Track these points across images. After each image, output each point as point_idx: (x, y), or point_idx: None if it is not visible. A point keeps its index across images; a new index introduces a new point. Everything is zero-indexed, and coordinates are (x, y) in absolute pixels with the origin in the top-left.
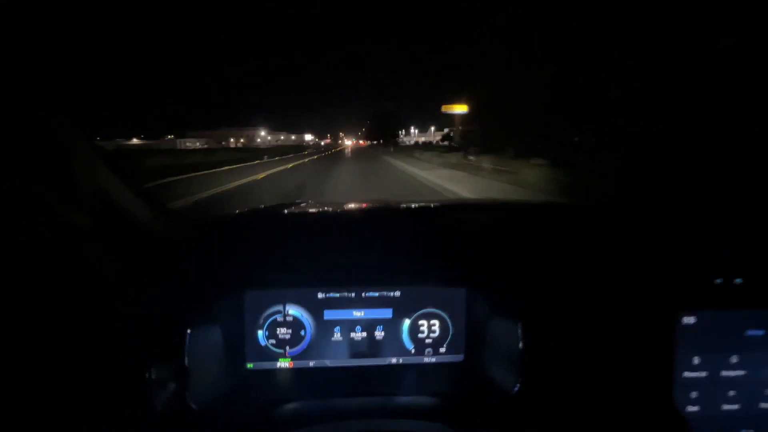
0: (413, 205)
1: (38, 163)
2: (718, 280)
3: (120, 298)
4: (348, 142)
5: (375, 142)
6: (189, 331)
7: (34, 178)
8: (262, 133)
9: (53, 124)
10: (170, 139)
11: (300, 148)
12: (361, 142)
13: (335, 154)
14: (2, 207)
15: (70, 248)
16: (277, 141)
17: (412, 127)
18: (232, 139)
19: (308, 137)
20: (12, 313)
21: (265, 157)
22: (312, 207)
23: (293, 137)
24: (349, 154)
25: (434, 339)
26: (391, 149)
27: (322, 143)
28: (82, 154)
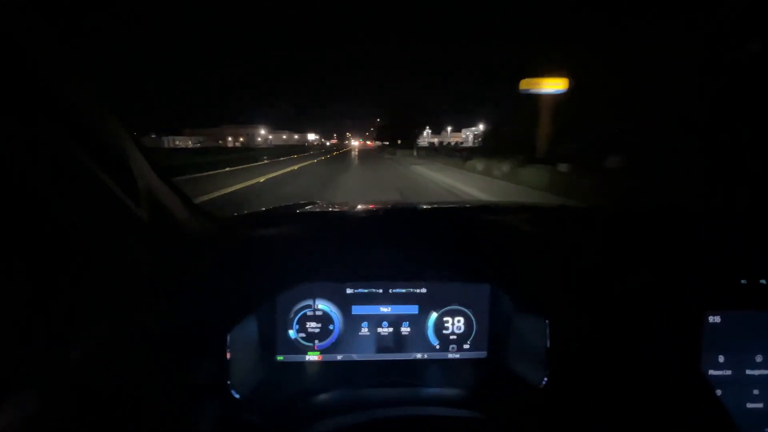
0: (438, 206)
1: (104, 160)
2: (744, 281)
3: (166, 294)
4: (355, 143)
5: (386, 143)
6: (230, 327)
7: (104, 173)
8: (262, 132)
9: (109, 122)
10: (154, 138)
11: (302, 148)
12: (368, 143)
13: (339, 156)
14: (77, 199)
15: (132, 241)
16: (281, 140)
17: (427, 128)
18: (230, 138)
19: (311, 137)
20: (62, 307)
21: (265, 158)
22: (339, 206)
23: (296, 136)
24: (357, 161)
25: (458, 335)
26: (414, 153)
27: (327, 143)
28: (134, 152)
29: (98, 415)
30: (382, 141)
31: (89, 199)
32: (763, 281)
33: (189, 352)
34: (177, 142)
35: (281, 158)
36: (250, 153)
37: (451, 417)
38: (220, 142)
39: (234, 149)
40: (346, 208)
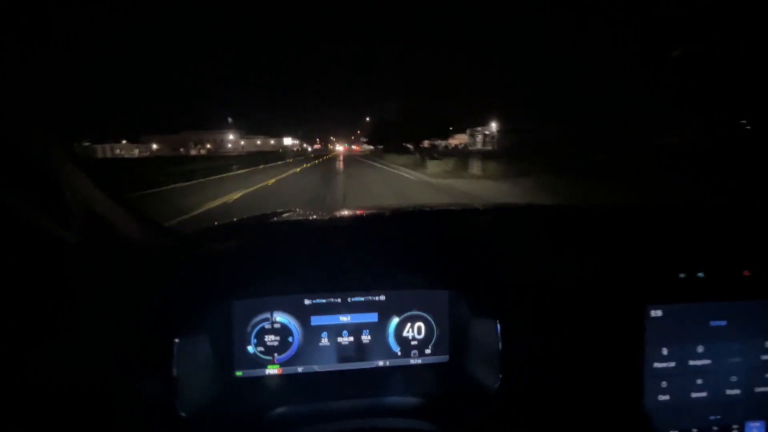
0: (395, 212)
1: (24, 179)
2: (682, 275)
3: (107, 311)
4: (340, 148)
5: (380, 147)
6: (177, 341)
7: (21, 194)
8: (231, 137)
9: (37, 136)
10: (87, 146)
11: (277, 155)
12: (354, 147)
13: (322, 164)
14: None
15: (58, 263)
16: (254, 146)
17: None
18: (192, 145)
19: (288, 141)
20: (4, 327)
21: (235, 167)
22: (296, 216)
23: (272, 142)
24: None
25: (419, 341)
26: (425, 161)
27: (310, 149)
28: (68, 168)
29: (38, 423)
30: (374, 144)
31: (8, 226)
32: (700, 274)
33: (131, 371)
34: (118, 151)
35: (256, 167)
36: (214, 163)
37: (410, 429)
38: (180, 149)
39: (194, 158)
40: (312, 217)
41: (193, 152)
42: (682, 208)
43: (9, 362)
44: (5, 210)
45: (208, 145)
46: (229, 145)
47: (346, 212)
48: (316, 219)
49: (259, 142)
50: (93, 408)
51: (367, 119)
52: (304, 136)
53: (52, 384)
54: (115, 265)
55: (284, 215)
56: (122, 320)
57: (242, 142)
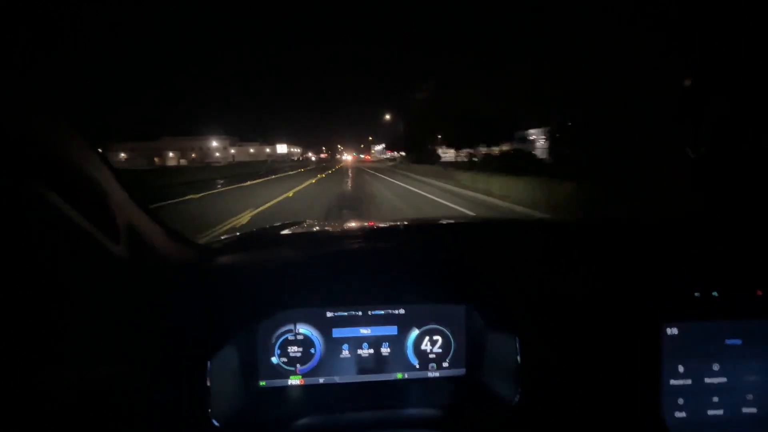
0: (412, 226)
1: (81, 197)
2: (697, 294)
3: (147, 326)
4: (348, 157)
5: (402, 154)
6: (209, 355)
7: (80, 211)
8: (214, 144)
9: (87, 154)
10: None
11: (265, 166)
12: (365, 156)
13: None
14: (50, 238)
15: (110, 277)
16: (247, 155)
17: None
18: (171, 154)
19: (281, 149)
20: (45, 337)
21: (220, 185)
22: (315, 226)
23: (268, 150)
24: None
25: (437, 354)
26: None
27: (314, 158)
28: (113, 186)
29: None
30: (398, 151)
31: (63, 241)
32: (714, 293)
33: (168, 383)
34: None
35: (240, 184)
36: (190, 176)
37: None
38: (156, 159)
39: (170, 170)
40: (328, 230)
41: (171, 162)
42: (696, 224)
43: (49, 373)
44: (64, 220)
45: (193, 155)
46: (217, 154)
47: (364, 225)
48: (336, 232)
49: (252, 150)
50: (131, 417)
51: (387, 117)
52: (310, 145)
53: (92, 394)
54: (155, 280)
55: (291, 228)
56: (161, 335)
57: (232, 150)
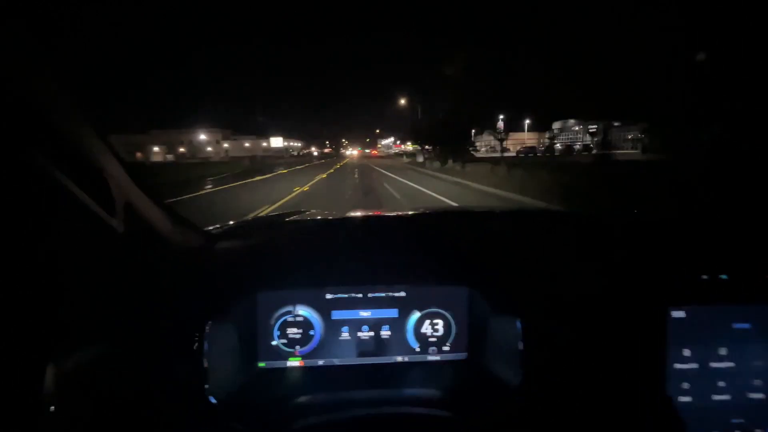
0: (415, 211)
1: (81, 172)
2: (705, 276)
3: (145, 300)
4: (353, 152)
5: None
6: (207, 328)
7: (75, 180)
8: (202, 137)
9: (85, 131)
10: None
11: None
12: (371, 151)
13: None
14: (51, 211)
15: (107, 250)
16: (242, 149)
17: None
18: (156, 149)
19: (276, 143)
20: (45, 312)
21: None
22: (319, 214)
23: (264, 143)
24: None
25: (438, 337)
26: None
27: (316, 153)
28: (112, 163)
29: (78, 421)
30: (424, 145)
31: (59, 210)
32: (723, 277)
33: (165, 358)
34: None
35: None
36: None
37: (428, 416)
38: (138, 155)
39: (153, 167)
40: (329, 217)
41: (157, 158)
42: (704, 210)
43: (50, 345)
44: (63, 194)
45: (182, 149)
46: (209, 148)
47: (367, 211)
48: (336, 217)
49: (248, 144)
50: (128, 392)
51: (401, 102)
52: (313, 138)
53: (91, 369)
54: (153, 257)
55: (293, 216)
56: (158, 309)
57: (225, 145)
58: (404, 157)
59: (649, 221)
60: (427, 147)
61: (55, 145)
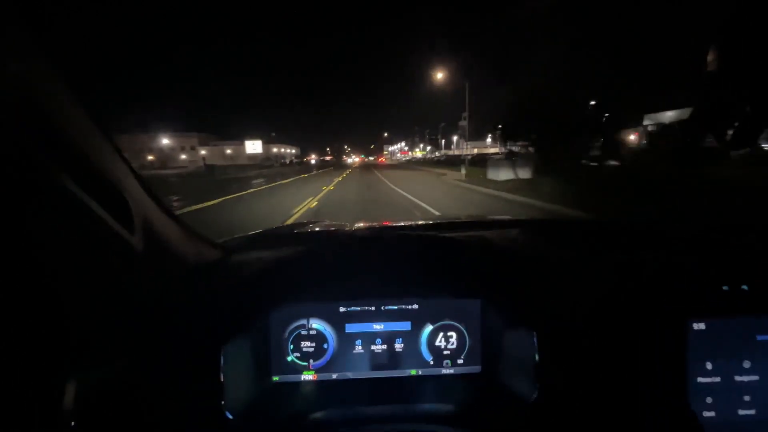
0: (428, 223)
1: (96, 188)
2: (725, 287)
3: (162, 318)
4: (355, 159)
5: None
6: (223, 348)
7: (96, 202)
8: (165, 142)
9: (105, 147)
10: None
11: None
12: (377, 158)
13: None
14: (72, 230)
15: (126, 268)
16: (222, 156)
17: (455, 137)
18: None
19: (253, 147)
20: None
21: None
22: (331, 225)
23: (248, 151)
24: None
25: (452, 350)
26: None
27: (314, 161)
28: (130, 180)
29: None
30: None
31: (80, 229)
32: (744, 287)
33: (182, 374)
34: None
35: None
36: None
37: None
38: None
39: None
40: (343, 229)
41: None
42: (725, 220)
43: (70, 362)
44: (85, 213)
45: (150, 157)
46: (183, 156)
47: (378, 222)
48: (349, 229)
49: (229, 151)
50: (147, 408)
51: (436, 80)
52: (311, 145)
53: (111, 385)
54: (171, 273)
55: (305, 228)
56: (176, 327)
57: (202, 152)
58: (437, 167)
59: (665, 230)
60: (512, 147)
61: (77, 164)
